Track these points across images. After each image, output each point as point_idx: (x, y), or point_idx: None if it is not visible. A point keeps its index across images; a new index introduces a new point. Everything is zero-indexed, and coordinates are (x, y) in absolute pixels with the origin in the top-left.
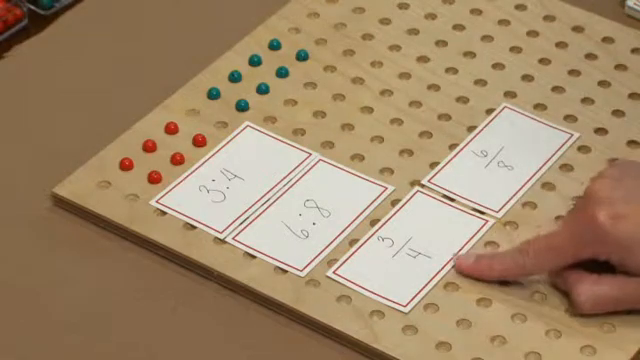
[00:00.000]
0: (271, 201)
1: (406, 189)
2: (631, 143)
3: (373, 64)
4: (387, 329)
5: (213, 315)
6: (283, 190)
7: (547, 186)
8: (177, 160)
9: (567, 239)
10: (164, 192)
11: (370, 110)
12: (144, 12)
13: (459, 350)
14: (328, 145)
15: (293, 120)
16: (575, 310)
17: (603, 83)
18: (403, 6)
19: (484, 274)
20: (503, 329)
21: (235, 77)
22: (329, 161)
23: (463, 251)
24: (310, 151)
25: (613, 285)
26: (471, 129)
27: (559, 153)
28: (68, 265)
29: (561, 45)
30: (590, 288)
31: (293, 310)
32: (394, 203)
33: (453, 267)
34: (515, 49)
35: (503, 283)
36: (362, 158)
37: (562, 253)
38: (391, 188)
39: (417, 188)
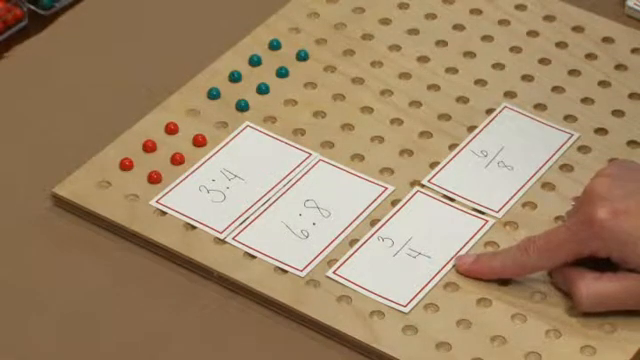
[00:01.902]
0: (271, 201)
1: (406, 189)
2: (631, 143)
3: (373, 64)
4: (387, 329)
5: (213, 315)
6: (283, 190)
7: (547, 186)
8: (177, 160)
9: (567, 237)
10: (164, 192)
11: (370, 110)
12: (144, 12)
13: (459, 350)
14: (328, 145)
15: (293, 120)
16: (577, 308)
17: (603, 83)
18: (403, 6)
19: (484, 273)
20: (503, 329)
21: (235, 77)
22: (329, 161)
23: (463, 251)
24: (310, 151)
25: (614, 281)
26: (471, 129)
27: (559, 153)
28: (68, 265)
29: (561, 45)
30: (592, 284)
31: (293, 310)
32: (394, 203)
33: (453, 267)
34: (515, 49)
35: (503, 283)
36: (362, 158)
37: (562, 251)
38: (391, 188)
39: (417, 188)
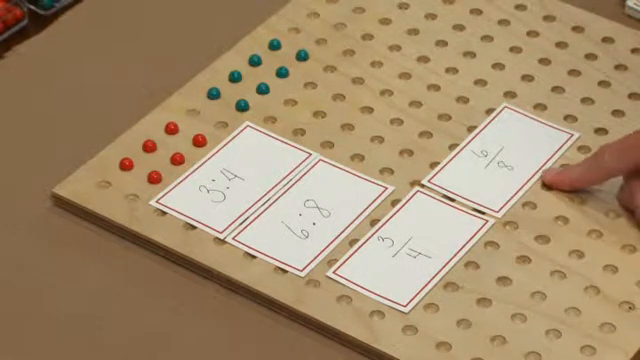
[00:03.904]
0: (271, 201)
1: (406, 189)
2: None
3: (373, 64)
4: (387, 329)
5: (213, 315)
6: (283, 190)
7: (547, 186)
8: (177, 160)
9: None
10: (164, 192)
11: (370, 110)
12: (144, 12)
13: (459, 350)
14: (328, 145)
15: (293, 120)
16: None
17: (603, 83)
18: (403, 6)
19: (565, 184)
20: (503, 329)
21: (235, 77)
22: (329, 161)
23: (463, 251)
24: (310, 151)
25: None
26: (471, 129)
27: (559, 153)
28: (68, 265)
29: (561, 45)
30: None
31: (293, 310)
32: (394, 203)
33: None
34: (515, 49)
35: (503, 283)
36: (362, 158)
37: (635, 151)
38: (391, 188)
39: (417, 188)
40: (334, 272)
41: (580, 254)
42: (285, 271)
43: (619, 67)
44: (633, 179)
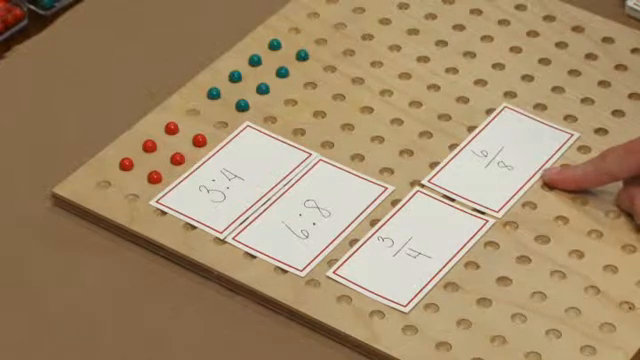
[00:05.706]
0: (271, 201)
1: (406, 189)
2: None
3: (373, 64)
4: (387, 329)
5: (213, 315)
6: (283, 190)
7: (547, 186)
8: (177, 160)
9: None
10: (164, 192)
11: (370, 110)
12: (144, 12)
13: (459, 350)
14: (328, 145)
15: (293, 120)
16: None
17: (603, 83)
18: (403, 6)
19: (567, 182)
20: (503, 329)
21: (235, 77)
22: (329, 161)
23: (463, 251)
24: (310, 151)
25: None
26: (471, 129)
27: (559, 153)
28: (68, 265)
29: (561, 45)
30: None
31: (293, 310)
32: (394, 203)
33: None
34: (515, 49)
35: (503, 283)
36: (362, 158)
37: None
38: (391, 188)
39: (417, 188)
40: (334, 272)
41: (580, 254)
42: (285, 271)
43: (619, 67)
44: (633, 184)
